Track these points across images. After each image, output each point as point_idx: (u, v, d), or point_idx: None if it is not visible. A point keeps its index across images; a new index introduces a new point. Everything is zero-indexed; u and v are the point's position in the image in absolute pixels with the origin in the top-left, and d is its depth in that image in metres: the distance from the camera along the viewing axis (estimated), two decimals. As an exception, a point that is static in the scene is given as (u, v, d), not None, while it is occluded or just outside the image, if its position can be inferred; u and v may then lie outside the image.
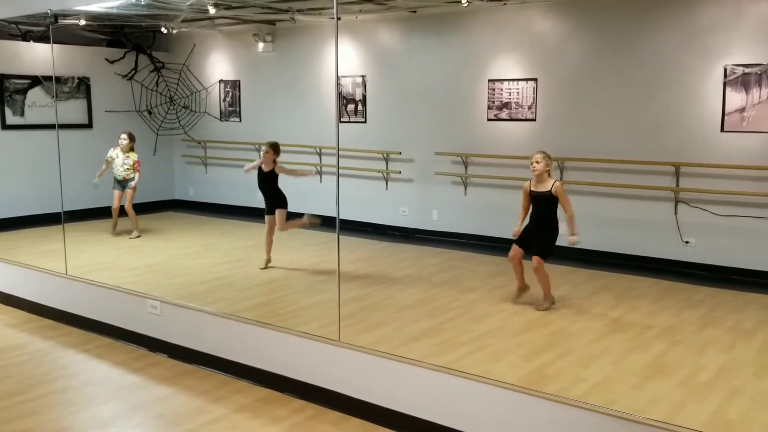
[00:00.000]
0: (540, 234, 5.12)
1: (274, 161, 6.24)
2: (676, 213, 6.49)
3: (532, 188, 5.12)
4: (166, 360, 5.05)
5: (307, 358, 4.34)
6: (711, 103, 6.19)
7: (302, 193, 9.07)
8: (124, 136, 7.91)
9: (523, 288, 5.29)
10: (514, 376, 3.75)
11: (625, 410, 3.27)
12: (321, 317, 4.78)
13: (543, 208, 5.07)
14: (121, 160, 7.90)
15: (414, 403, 3.86)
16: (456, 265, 6.60)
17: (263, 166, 6.25)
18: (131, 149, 7.95)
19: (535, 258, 5.06)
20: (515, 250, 5.20)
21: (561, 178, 7.07)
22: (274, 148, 6.28)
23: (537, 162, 5.02)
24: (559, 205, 5.07)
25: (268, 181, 6.26)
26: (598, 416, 3.27)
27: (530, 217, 5.19)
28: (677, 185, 6.43)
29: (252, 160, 9.53)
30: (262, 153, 6.34)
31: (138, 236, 7.87)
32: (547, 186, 5.05)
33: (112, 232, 8.05)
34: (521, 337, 4.47)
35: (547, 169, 5.05)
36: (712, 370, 3.91)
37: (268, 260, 6.36)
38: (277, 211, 6.22)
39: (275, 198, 6.28)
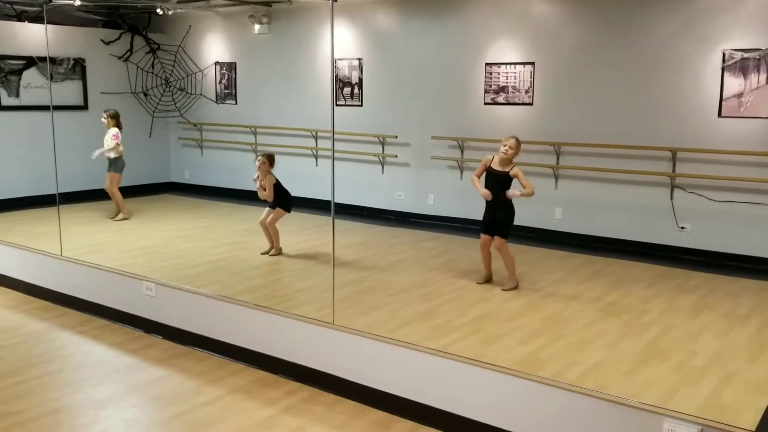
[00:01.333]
0: (498, 215, 5.21)
1: (270, 172, 6.13)
2: (672, 198, 6.49)
3: (493, 165, 5.18)
4: (162, 342, 5.06)
5: (302, 340, 4.35)
6: (709, 88, 6.17)
7: (298, 176, 9.08)
8: (104, 114, 7.79)
9: (488, 276, 5.40)
10: (508, 359, 3.76)
11: (619, 394, 3.29)
12: (316, 300, 4.79)
13: (500, 189, 5.15)
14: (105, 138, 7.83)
15: (408, 386, 3.87)
16: (451, 250, 6.60)
17: (260, 181, 6.13)
18: (115, 125, 7.79)
19: (497, 238, 5.20)
20: (484, 238, 5.31)
21: (558, 163, 7.08)
22: (270, 159, 6.17)
23: (511, 148, 5.10)
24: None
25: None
26: (591, 400, 3.29)
27: (487, 201, 5.24)
28: (674, 170, 6.42)
29: (249, 144, 9.57)
30: (257, 163, 6.16)
31: (124, 218, 7.81)
32: (507, 168, 5.14)
33: (119, 217, 7.94)
34: (516, 321, 4.48)
35: (516, 156, 5.15)
36: (706, 355, 3.92)
37: (274, 248, 6.28)
38: (272, 209, 6.16)
39: (277, 197, 6.18)
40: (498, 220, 5.21)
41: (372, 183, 8.50)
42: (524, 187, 5.11)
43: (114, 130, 7.74)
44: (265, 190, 6.10)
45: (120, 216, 7.87)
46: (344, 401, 4.09)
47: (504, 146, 5.11)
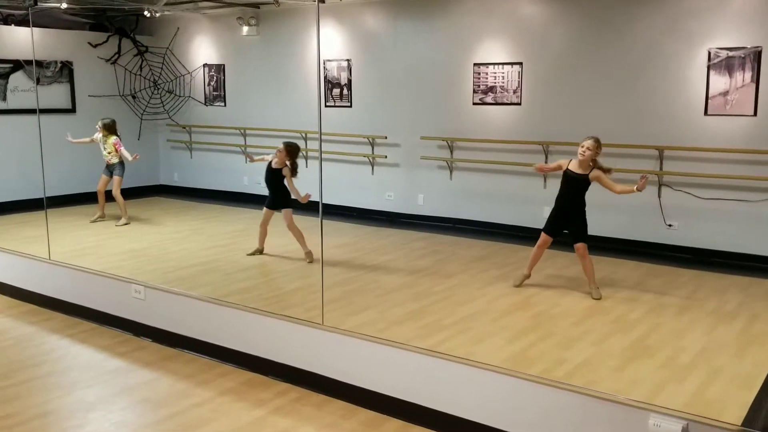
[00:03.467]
0: (572, 219, 5.07)
1: (286, 163, 6.01)
2: (659, 196, 6.54)
3: (570, 168, 5.03)
4: (151, 344, 5.04)
5: (292, 341, 4.35)
6: (695, 87, 6.22)
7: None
8: (99, 125, 7.74)
9: (528, 276, 5.29)
10: (497, 358, 3.78)
11: (606, 391, 3.31)
12: (306, 301, 4.79)
13: (575, 191, 5.01)
14: (103, 144, 7.80)
15: (397, 385, 3.88)
16: (441, 249, 6.61)
17: (273, 162, 6.06)
18: (111, 133, 7.76)
19: (581, 245, 5.02)
20: (545, 238, 5.17)
21: (546, 162, 7.10)
22: (292, 153, 5.98)
23: (588, 149, 4.87)
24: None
25: (275, 177, 6.08)
26: (579, 397, 3.31)
27: (558, 203, 5.14)
28: (661, 169, 6.47)
29: (238, 145, 9.55)
30: (276, 150, 6.04)
31: (126, 224, 7.80)
32: (585, 171, 4.96)
33: (94, 217, 7.93)
34: (504, 320, 4.50)
35: (595, 157, 4.92)
36: (693, 352, 3.95)
37: (260, 250, 6.26)
38: (285, 211, 6.11)
39: (280, 196, 6.10)
40: (574, 224, 5.07)
41: (362, 184, 8.51)
42: (614, 189, 4.92)
43: (113, 139, 7.69)
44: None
45: (122, 221, 7.78)
46: (334, 401, 4.09)
47: (581, 147, 4.91)
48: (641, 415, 3.11)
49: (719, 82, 6.07)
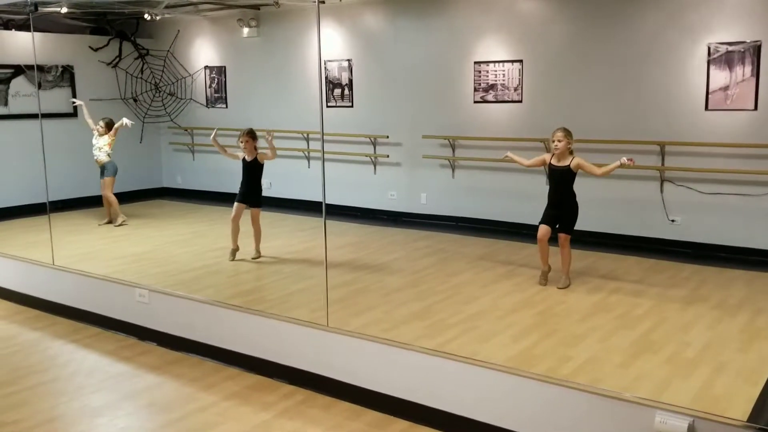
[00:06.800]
0: (562, 210, 5.16)
1: (255, 148, 6.08)
2: (662, 192, 6.53)
3: (552, 162, 5.17)
4: (156, 348, 5.06)
5: (297, 343, 4.36)
6: (695, 82, 6.20)
7: (290, 177, 9.09)
8: (101, 123, 7.82)
9: (548, 270, 5.30)
10: (502, 356, 3.78)
11: (612, 388, 3.31)
12: (310, 302, 4.79)
13: (561, 183, 5.13)
14: (97, 144, 7.83)
15: (403, 385, 3.89)
16: (445, 248, 6.61)
17: (246, 156, 6.09)
18: (109, 132, 7.84)
19: (562, 235, 5.14)
20: (544, 229, 5.19)
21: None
22: (252, 135, 6.07)
23: (559, 140, 5.06)
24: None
25: (251, 171, 6.09)
26: (585, 395, 3.31)
27: (549, 196, 5.25)
28: (662, 164, 6.46)
29: (240, 147, 9.53)
30: (241, 144, 6.08)
31: (121, 224, 7.81)
32: (566, 162, 5.10)
33: (101, 222, 7.98)
34: (509, 318, 4.50)
35: (569, 146, 5.09)
36: (697, 347, 3.95)
37: (236, 249, 6.16)
38: (254, 210, 6.11)
39: (254, 191, 6.10)
40: (563, 216, 5.16)
41: (364, 183, 8.51)
42: (596, 173, 5.06)
43: (108, 138, 7.77)
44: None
45: (118, 221, 7.85)
46: (340, 403, 4.10)
47: (553, 141, 5.09)
48: (647, 412, 3.11)
49: (719, 76, 6.05)
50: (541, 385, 3.43)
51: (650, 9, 6.36)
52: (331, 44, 8.43)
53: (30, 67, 8.82)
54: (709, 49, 6.08)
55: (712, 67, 6.08)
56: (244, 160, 6.13)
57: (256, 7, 8.88)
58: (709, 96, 6.13)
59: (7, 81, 8.88)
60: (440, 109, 7.79)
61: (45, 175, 6.38)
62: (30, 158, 8.61)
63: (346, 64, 8.44)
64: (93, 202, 8.63)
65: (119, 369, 4.70)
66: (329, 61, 8.50)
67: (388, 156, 8.24)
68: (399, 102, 8.09)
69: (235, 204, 6.13)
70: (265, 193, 6.25)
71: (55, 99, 9.30)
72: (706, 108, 6.16)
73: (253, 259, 6.10)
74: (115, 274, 5.61)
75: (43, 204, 6.61)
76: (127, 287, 5.32)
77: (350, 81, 8.44)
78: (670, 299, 4.89)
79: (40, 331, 5.50)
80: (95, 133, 7.88)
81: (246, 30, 9.13)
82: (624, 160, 4.94)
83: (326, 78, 8.54)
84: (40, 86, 9.00)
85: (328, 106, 8.56)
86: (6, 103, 8.90)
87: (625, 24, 6.50)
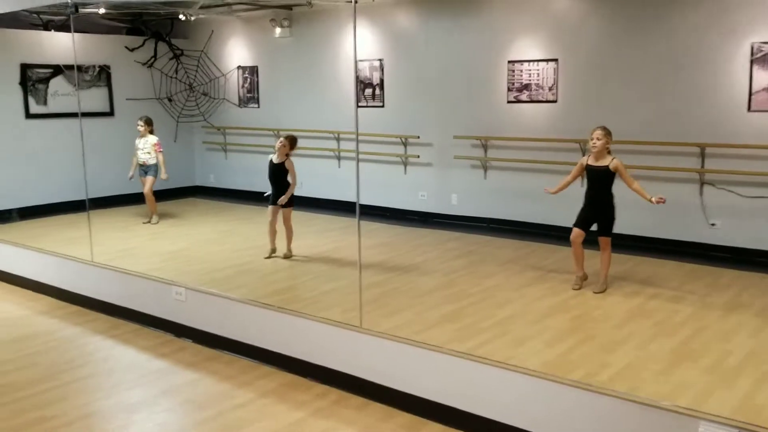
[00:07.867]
0: (599, 212, 5.08)
1: (287, 155, 6.16)
2: (701, 195, 6.39)
3: (590, 162, 5.10)
4: (192, 345, 5.11)
5: (330, 343, 4.37)
6: (737, 82, 6.05)
7: (321, 178, 9.12)
8: (140, 122, 7.97)
9: (583, 276, 5.20)
10: (537, 361, 3.74)
11: (652, 397, 3.25)
12: (342, 302, 4.80)
13: (600, 184, 5.04)
14: (141, 145, 7.97)
15: (436, 388, 3.87)
16: (476, 250, 6.57)
17: (274, 157, 6.17)
18: (150, 132, 8.00)
19: (602, 238, 5.08)
20: (577, 232, 5.11)
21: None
22: (292, 142, 6.19)
23: (598, 138, 5.00)
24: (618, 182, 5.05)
25: (277, 173, 6.16)
26: (623, 403, 3.25)
27: (586, 196, 5.17)
28: (702, 167, 6.32)
29: (271, 147, 9.60)
30: (277, 144, 6.21)
31: (155, 222, 7.94)
32: (605, 162, 5.02)
33: (144, 220, 8.11)
34: (543, 323, 4.45)
35: (607, 146, 5.02)
36: (740, 355, 3.86)
37: (273, 250, 6.26)
38: (285, 210, 6.17)
39: (283, 192, 6.14)
40: (599, 217, 5.09)
41: (394, 183, 8.50)
42: (630, 186, 4.97)
43: (154, 139, 7.93)
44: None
45: (153, 219, 8.01)
46: (372, 404, 4.09)
47: (591, 139, 5.04)
48: (690, 422, 3.03)
49: (763, 77, 5.90)
50: (578, 392, 3.38)
51: (691, 7, 6.22)
52: (362, 44, 8.43)
53: (68, 67, 9.00)
54: (752, 48, 5.93)
55: (755, 67, 5.93)
56: (271, 161, 6.21)
57: (289, 7, 8.93)
58: (752, 97, 5.97)
59: (46, 80, 9.08)
60: (472, 109, 7.74)
61: (84, 172, 6.51)
62: (68, 156, 8.79)
63: (377, 63, 8.43)
64: (131, 199, 8.76)
65: (156, 365, 4.76)
66: (361, 60, 8.50)
67: (418, 156, 8.22)
68: (430, 102, 8.06)
69: (269, 207, 6.23)
70: (295, 192, 6.29)
71: (93, 98, 9.47)
72: (749, 109, 6.01)
73: (284, 257, 6.15)
74: (152, 271, 5.69)
75: (82, 201, 6.74)
76: (164, 285, 5.39)
77: (381, 81, 8.44)
78: (710, 306, 4.78)
79: (80, 327, 5.60)
80: (139, 138, 7.99)
81: (278, 30, 9.19)
82: (654, 200, 4.88)
83: (357, 78, 8.55)
84: (78, 85, 9.18)
85: (359, 106, 8.57)
86: (45, 102, 9.10)
87: (664, 23, 6.37)
